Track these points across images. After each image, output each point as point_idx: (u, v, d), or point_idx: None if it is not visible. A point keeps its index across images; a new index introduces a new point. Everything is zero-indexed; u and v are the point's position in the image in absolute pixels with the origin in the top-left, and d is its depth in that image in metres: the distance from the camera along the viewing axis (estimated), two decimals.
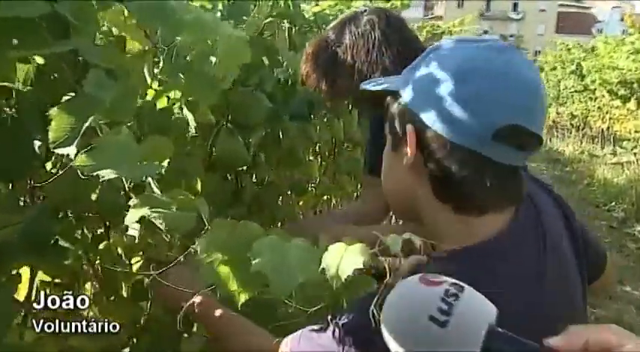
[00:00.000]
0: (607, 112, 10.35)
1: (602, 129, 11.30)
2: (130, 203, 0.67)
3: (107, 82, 0.69)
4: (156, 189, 0.70)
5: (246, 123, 1.31)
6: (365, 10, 1.36)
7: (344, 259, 0.58)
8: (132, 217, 0.65)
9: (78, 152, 0.63)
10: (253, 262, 0.59)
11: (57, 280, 0.97)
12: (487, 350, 0.52)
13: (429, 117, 0.72)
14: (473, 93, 0.69)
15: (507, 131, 0.69)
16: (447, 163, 0.72)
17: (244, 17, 1.43)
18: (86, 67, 0.72)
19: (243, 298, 0.64)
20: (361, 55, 1.31)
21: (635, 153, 7.51)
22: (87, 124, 0.63)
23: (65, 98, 0.73)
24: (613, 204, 6.88)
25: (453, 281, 0.56)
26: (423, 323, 0.53)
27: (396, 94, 0.79)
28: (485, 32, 63.87)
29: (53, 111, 0.65)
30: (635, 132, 7.52)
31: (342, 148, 2.45)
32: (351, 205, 2.32)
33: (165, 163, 0.70)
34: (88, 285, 1.07)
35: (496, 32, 63.85)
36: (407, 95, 0.76)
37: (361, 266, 0.57)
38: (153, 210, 0.64)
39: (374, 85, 0.85)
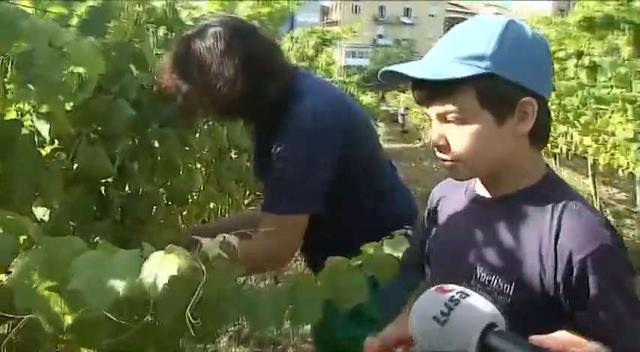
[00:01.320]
0: None
1: None
2: None
3: None
4: None
5: (110, 133, 1.27)
6: (211, 23, 1.37)
7: (160, 268, 0.57)
8: None
9: None
10: (71, 280, 0.57)
11: None
12: (483, 345, 0.64)
13: (543, 88, 0.91)
14: (548, 58, 0.93)
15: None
16: (546, 116, 0.93)
17: (107, 24, 1.38)
18: None
19: (69, 320, 0.61)
20: (206, 68, 1.32)
21: None
22: None
23: None
24: None
25: (461, 290, 0.70)
26: (428, 322, 0.68)
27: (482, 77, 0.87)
28: (380, 36, 66.09)
29: None
30: None
31: (226, 155, 2.43)
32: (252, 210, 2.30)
33: None
34: None
35: (390, 36, 66.24)
36: (518, 74, 0.88)
37: (176, 273, 0.57)
38: None
39: (446, 74, 0.88)
